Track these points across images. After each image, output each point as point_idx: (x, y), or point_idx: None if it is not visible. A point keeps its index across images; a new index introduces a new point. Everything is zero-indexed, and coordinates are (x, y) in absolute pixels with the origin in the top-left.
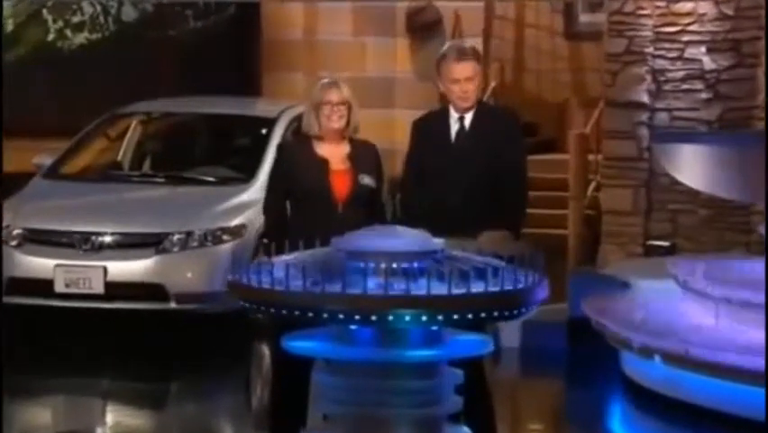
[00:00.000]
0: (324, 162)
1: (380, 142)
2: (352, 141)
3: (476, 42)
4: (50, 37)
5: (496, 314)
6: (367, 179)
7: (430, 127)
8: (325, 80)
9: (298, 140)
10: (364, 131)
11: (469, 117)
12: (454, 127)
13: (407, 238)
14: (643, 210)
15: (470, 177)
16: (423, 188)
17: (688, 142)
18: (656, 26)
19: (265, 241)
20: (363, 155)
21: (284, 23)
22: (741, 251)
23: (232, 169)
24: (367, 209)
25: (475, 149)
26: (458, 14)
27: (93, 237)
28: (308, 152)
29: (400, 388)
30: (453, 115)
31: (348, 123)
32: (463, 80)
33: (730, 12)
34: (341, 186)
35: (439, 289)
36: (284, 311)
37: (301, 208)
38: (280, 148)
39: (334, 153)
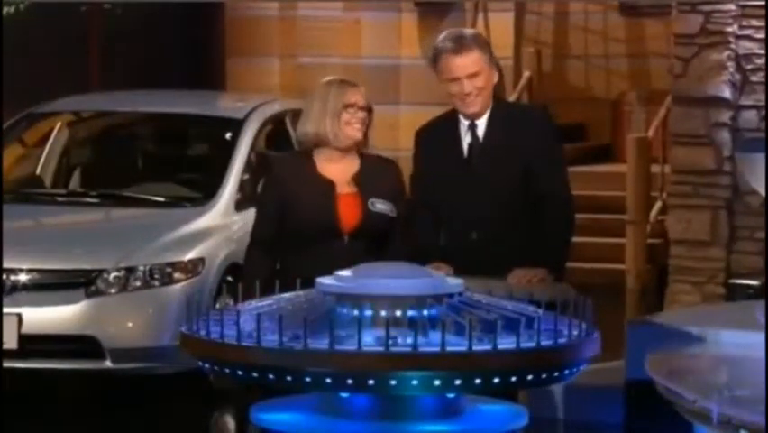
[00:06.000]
0: (329, 184)
1: (381, 148)
2: (363, 156)
3: (505, 19)
4: None
5: (530, 377)
6: (380, 205)
7: (437, 139)
8: (335, 78)
9: (294, 157)
10: None
11: (482, 124)
12: (465, 138)
13: (415, 278)
14: (724, 239)
15: (491, 201)
16: (434, 215)
17: None
18: None
19: (230, 280)
20: (377, 175)
21: None
22: None
23: (186, 186)
24: (381, 243)
25: (494, 164)
26: None
27: (3, 276)
28: (309, 171)
29: None
30: (463, 122)
31: (365, 134)
32: (465, 78)
33: None
34: (348, 213)
35: (456, 344)
36: (254, 374)
37: (296, 244)
38: (272, 169)
39: (342, 173)
